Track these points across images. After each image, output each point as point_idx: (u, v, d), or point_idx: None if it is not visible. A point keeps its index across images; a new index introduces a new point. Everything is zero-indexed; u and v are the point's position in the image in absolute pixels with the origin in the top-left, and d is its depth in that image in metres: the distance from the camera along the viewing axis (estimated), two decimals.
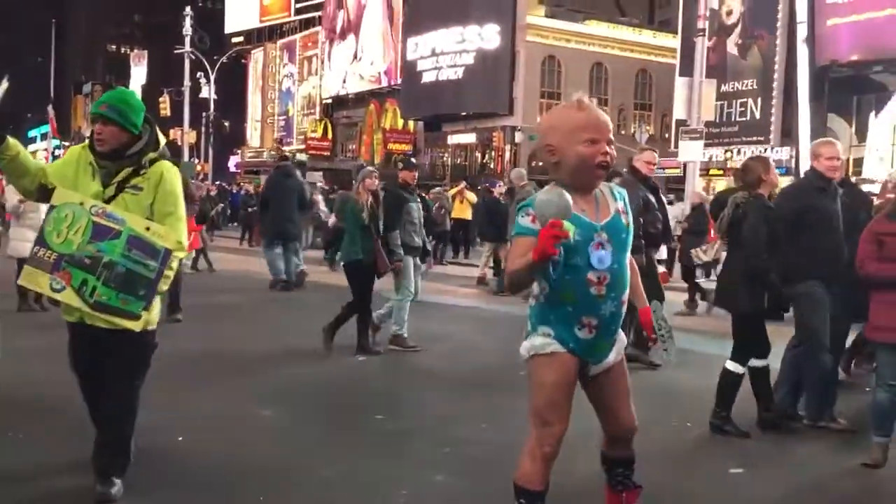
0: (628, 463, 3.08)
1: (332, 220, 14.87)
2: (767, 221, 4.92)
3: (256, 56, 58.40)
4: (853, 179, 17.67)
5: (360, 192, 7.38)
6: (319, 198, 15.07)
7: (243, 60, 58.49)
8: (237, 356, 6.98)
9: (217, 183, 34.47)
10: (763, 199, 5.06)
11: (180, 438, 4.62)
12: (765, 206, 5.03)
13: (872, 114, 27.41)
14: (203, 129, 39.57)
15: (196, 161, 39.66)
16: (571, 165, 2.79)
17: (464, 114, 38.85)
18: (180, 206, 3.67)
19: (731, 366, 5.05)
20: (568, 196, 2.64)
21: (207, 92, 38.86)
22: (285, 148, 50.52)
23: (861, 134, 27.61)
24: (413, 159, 10.99)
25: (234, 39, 56.86)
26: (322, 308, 8.21)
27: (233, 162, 57.49)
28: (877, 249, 4.47)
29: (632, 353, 6.66)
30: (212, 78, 38.90)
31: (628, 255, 2.90)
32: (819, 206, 5.05)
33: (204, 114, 39.66)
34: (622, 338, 2.98)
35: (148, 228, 3.53)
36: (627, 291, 2.89)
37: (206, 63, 38.55)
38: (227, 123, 51.29)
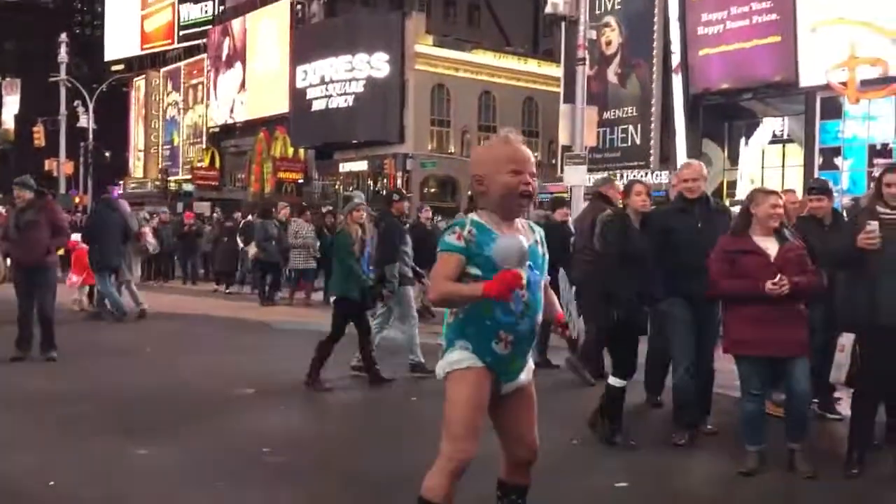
0: (522, 491, 3.14)
1: (252, 250, 14.53)
2: (624, 240, 5.16)
3: (138, 84, 56.76)
4: (727, 202, 18.46)
5: (349, 223, 7.05)
6: (147, 230, 14.80)
7: (125, 88, 56.67)
8: (115, 394, 6.66)
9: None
10: (624, 219, 5.31)
11: (51, 483, 4.34)
12: (621, 224, 5.29)
13: (743, 139, 29.02)
14: (82, 159, 37.93)
15: (74, 193, 37.95)
16: (498, 194, 2.96)
17: (355, 141, 38.86)
18: None
19: (612, 380, 5.20)
20: (525, 242, 2.90)
21: (86, 121, 37.37)
22: (170, 178, 49.24)
23: (733, 158, 29.14)
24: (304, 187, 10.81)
25: (115, 67, 55.05)
26: (205, 340, 7.94)
27: (114, 193, 55.44)
28: (728, 267, 4.68)
29: (574, 363, 7.03)
30: (90, 106, 37.42)
31: (544, 280, 3.07)
32: (680, 227, 5.25)
33: (82, 143, 38.07)
34: (531, 364, 3.09)
35: None
36: (541, 313, 3.04)
37: (83, 91, 37.11)
38: (107, 154, 49.38)
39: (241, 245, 16.34)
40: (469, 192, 3.45)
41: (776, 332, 4.53)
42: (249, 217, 17.32)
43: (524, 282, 2.85)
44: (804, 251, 4.75)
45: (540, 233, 3.14)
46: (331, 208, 17.34)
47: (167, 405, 6.29)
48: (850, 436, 4.71)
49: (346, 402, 6.68)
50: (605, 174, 13.09)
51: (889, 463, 4.81)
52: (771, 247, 4.66)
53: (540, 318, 3.05)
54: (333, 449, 5.12)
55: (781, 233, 4.74)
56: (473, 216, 2.99)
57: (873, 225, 4.48)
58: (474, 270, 2.89)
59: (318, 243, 13.64)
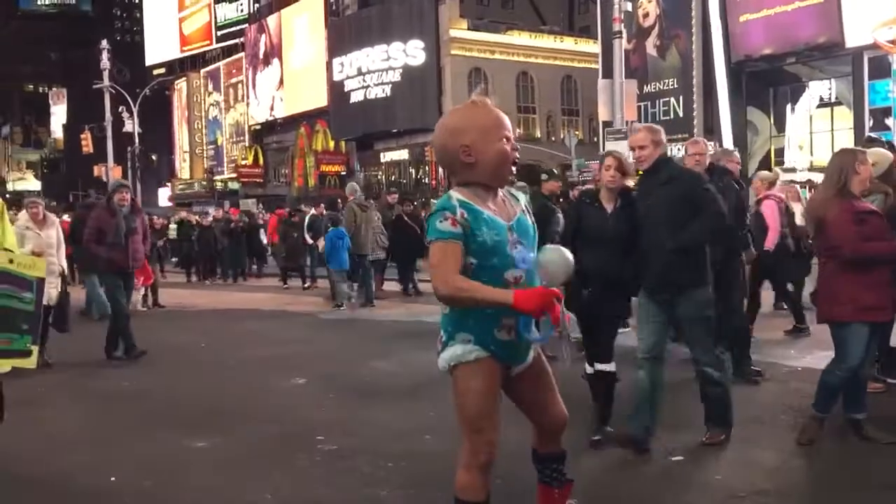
0: (561, 458, 3.06)
1: (321, 244, 13.72)
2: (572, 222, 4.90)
3: (180, 86, 57.63)
4: (777, 170, 18.06)
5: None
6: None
7: (167, 92, 57.60)
8: (167, 392, 6.79)
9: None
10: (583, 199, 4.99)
11: (112, 478, 4.44)
12: (576, 204, 5.19)
13: (789, 105, 28.33)
14: (129, 163, 38.69)
15: None
16: (491, 163, 2.76)
17: (394, 131, 38.94)
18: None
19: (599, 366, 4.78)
20: (570, 256, 2.79)
21: (131, 126, 38.08)
22: (216, 177, 49.97)
23: (780, 125, 28.48)
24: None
25: (156, 71, 56.01)
26: (245, 337, 7.98)
27: (163, 195, 56.47)
28: (860, 230, 4.41)
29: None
30: (135, 111, 38.14)
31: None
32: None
33: (129, 148, 38.82)
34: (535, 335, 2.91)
35: (11, 261, 3.38)
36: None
37: (127, 96, 37.80)
38: (154, 157, 50.32)
39: (309, 240, 15.83)
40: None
41: (893, 295, 4.44)
42: (313, 211, 16.73)
43: (560, 294, 2.64)
44: None
45: (524, 200, 2.96)
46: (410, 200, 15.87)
47: (223, 399, 6.40)
48: None
49: (395, 386, 6.70)
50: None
51: None
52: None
53: None
54: (383, 435, 5.14)
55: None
56: (457, 195, 2.75)
57: None
58: (470, 259, 2.70)
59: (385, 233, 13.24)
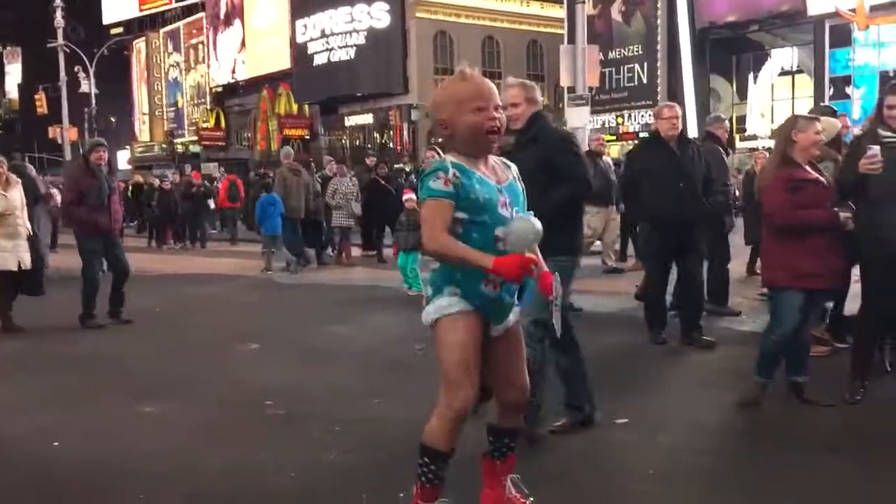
0: (515, 433, 3.14)
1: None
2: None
3: (139, 46, 56.19)
4: (737, 137, 18.16)
5: None
6: (55, 191, 13.12)
7: (125, 52, 56.21)
8: (119, 357, 6.71)
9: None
10: None
11: (56, 443, 4.38)
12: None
13: (751, 73, 28.53)
14: (86, 125, 37.81)
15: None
16: (464, 136, 2.86)
17: (359, 94, 38.46)
18: None
19: None
20: (538, 224, 2.83)
21: (87, 86, 37.16)
22: (176, 140, 49.10)
23: (742, 92, 28.71)
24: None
25: (114, 30, 54.50)
26: (201, 302, 7.90)
27: (122, 158, 55.37)
28: (793, 197, 4.43)
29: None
30: (91, 71, 37.20)
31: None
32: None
33: (86, 109, 37.92)
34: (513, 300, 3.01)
35: None
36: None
37: (83, 56, 36.85)
38: (112, 119, 49.25)
39: None
40: (431, 139, 3.32)
41: (833, 263, 4.47)
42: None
43: (537, 260, 2.81)
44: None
45: (515, 169, 3.06)
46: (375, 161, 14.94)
47: (175, 364, 6.34)
48: (852, 364, 4.68)
49: (350, 350, 6.69)
50: (614, 115, 12.87)
51: (890, 389, 4.77)
52: (819, 175, 4.54)
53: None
54: (336, 399, 5.13)
55: (814, 164, 4.60)
56: (451, 158, 2.88)
57: (875, 149, 4.38)
58: (461, 214, 2.80)
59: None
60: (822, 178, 4.52)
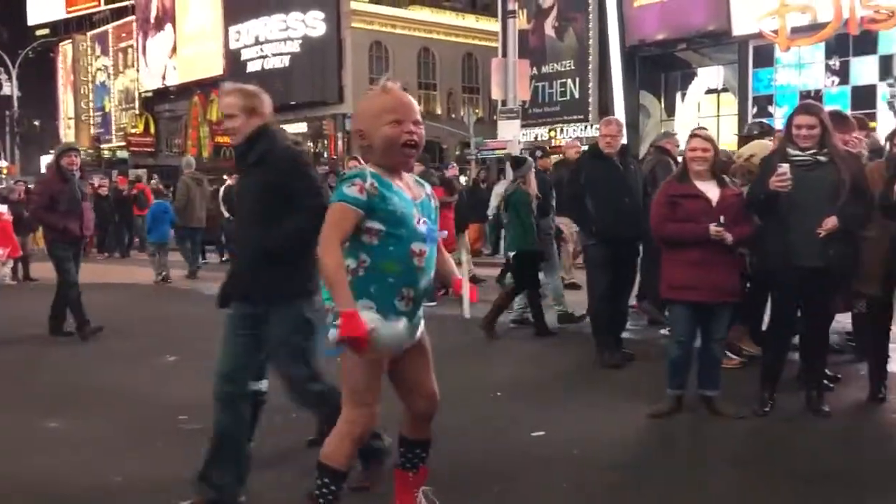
0: (426, 444, 3.12)
1: None
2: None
3: (65, 49, 54.66)
4: None
5: (529, 182, 7.40)
6: None
7: (51, 54, 54.60)
8: (27, 369, 6.45)
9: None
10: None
11: None
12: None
13: (679, 90, 29.25)
14: (7, 128, 36.54)
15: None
16: (381, 147, 2.84)
17: (293, 103, 38.08)
18: None
19: None
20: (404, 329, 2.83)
21: (9, 88, 35.94)
22: (103, 146, 47.88)
23: (670, 109, 29.38)
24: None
25: (39, 32, 52.92)
26: (119, 312, 7.66)
27: (46, 162, 53.72)
28: (670, 211, 4.68)
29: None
30: (13, 73, 36.00)
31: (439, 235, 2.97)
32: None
33: (7, 112, 36.65)
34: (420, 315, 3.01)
35: None
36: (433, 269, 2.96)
37: (6, 58, 35.64)
38: (36, 122, 47.71)
39: (225, 213, 14.13)
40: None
41: (711, 277, 4.56)
42: (229, 181, 14.94)
43: (367, 343, 2.69)
44: (742, 196, 4.76)
45: (428, 187, 3.07)
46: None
47: (87, 377, 6.13)
48: (761, 376, 4.79)
49: None
50: (546, 129, 13.09)
51: (799, 402, 4.89)
52: (712, 191, 4.67)
53: (433, 273, 2.97)
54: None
55: (721, 178, 4.77)
56: (370, 168, 2.86)
57: (784, 167, 4.49)
58: (377, 225, 2.77)
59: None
60: (704, 194, 4.65)
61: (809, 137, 4.54)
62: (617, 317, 6.40)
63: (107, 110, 51.88)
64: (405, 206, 2.82)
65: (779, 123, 24.91)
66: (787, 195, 4.49)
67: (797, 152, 4.62)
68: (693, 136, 4.90)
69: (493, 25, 35.45)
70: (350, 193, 2.75)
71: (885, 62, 23.32)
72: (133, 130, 47.80)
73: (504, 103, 14.77)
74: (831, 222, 4.41)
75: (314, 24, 36.66)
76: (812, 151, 4.56)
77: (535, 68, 25.47)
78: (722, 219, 4.54)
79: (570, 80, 30.38)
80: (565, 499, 3.66)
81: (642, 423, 4.72)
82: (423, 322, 3.00)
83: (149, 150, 46.80)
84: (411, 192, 2.90)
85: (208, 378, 5.96)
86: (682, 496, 3.68)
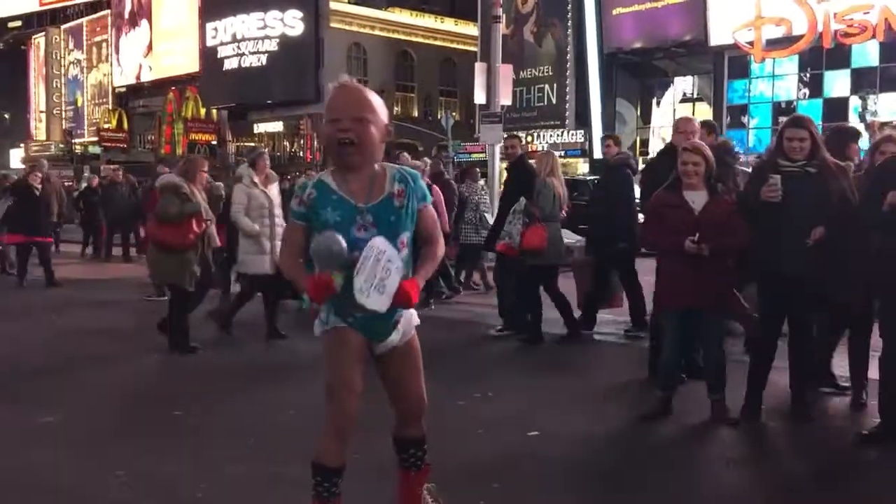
0: (419, 443, 3.11)
1: None
2: None
3: (38, 42, 53.90)
4: (640, 160, 18.89)
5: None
6: None
7: (23, 47, 53.82)
8: (23, 364, 6.41)
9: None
10: None
11: None
12: None
13: (654, 98, 29.60)
14: None
15: None
16: (326, 147, 2.96)
17: (270, 102, 37.93)
18: None
19: None
20: (342, 241, 2.69)
21: None
22: (75, 140, 47.27)
23: (646, 116, 29.73)
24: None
25: (11, 24, 52.15)
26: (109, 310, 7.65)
27: (16, 156, 52.87)
28: (657, 222, 4.78)
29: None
30: None
31: (403, 237, 2.84)
32: None
33: None
34: (410, 318, 2.97)
35: None
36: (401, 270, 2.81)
37: None
38: (6, 115, 47.00)
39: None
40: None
41: (697, 285, 4.64)
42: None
43: (337, 287, 2.70)
44: (732, 206, 4.81)
45: (406, 180, 2.87)
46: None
47: (83, 372, 6.11)
48: (747, 383, 4.89)
49: (263, 363, 6.58)
50: (524, 134, 13.20)
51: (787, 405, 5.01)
52: (698, 200, 4.72)
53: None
54: (248, 411, 5.05)
55: (714, 187, 4.80)
56: (322, 175, 2.88)
57: (775, 178, 4.61)
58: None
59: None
60: (687, 204, 4.71)
61: (800, 150, 4.67)
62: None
63: (79, 105, 51.22)
64: (340, 214, 2.77)
65: (751, 135, 25.39)
66: (777, 205, 4.62)
67: (787, 164, 4.75)
68: (685, 150, 4.94)
69: (473, 30, 35.64)
70: (293, 208, 2.90)
71: (858, 75, 23.82)
72: (106, 126, 47.22)
73: (486, 108, 14.84)
74: (819, 232, 4.54)
75: (293, 23, 36.51)
76: (802, 163, 4.69)
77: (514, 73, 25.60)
78: (697, 235, 4.59)
79: (547, 86, 30.61)
80: (561, 498, 3.73)
81: (638, 423, 4.81)
82: (412, 323, 2.97)
83: (121, 145, 46.25)
84: (365, 195, 2.80)
85: (200, 376, 6.04)
86: (678, 497, 3.77)
